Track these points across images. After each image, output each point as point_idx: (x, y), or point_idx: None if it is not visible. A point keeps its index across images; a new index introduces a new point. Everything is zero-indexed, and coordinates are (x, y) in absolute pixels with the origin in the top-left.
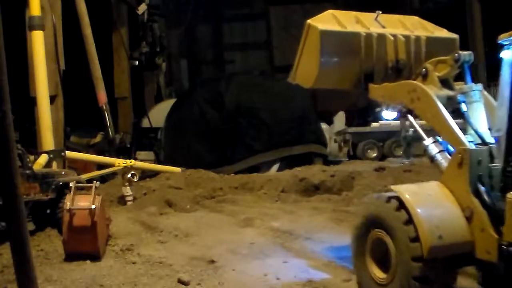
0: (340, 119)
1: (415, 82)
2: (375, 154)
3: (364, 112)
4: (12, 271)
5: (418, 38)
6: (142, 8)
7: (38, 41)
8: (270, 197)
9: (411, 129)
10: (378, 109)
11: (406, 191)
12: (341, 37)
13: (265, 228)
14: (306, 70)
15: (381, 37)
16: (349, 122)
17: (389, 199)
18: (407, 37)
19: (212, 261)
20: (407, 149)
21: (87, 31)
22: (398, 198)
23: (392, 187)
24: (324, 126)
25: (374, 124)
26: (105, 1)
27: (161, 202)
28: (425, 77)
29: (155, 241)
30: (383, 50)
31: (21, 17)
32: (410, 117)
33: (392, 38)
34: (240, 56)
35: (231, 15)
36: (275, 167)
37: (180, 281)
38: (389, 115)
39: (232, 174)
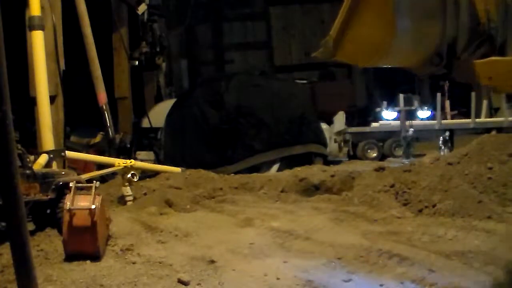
0: (340, 119)
1: None
2: (375, 154)
3: (364, 112)
4: (12, 271)
5: None
6: (142, 8)
7: (38, 41)
8: (270, 197)
9: (411, 129)
10: (378, 109)
11: None
12: None
13: (265, 228)
14: (364, 42)
15: None
16: (349, 122)
17: None
18: None
19: (212, 261)
20: (407, 149)
21: (87, 31)
22: None
23: None
24: (324, 126)
25: (374, 124)
26: (105, 1)
27: (161, 202)
28: None
29: (155, 241)
30: (470, 9)
31: (21, 17)
32: None
33: None
34: (240, 56)
35: (231, 15)
36: (275, 167)
37: (180, 281)
38: (389, 115)
39: (232, 174)
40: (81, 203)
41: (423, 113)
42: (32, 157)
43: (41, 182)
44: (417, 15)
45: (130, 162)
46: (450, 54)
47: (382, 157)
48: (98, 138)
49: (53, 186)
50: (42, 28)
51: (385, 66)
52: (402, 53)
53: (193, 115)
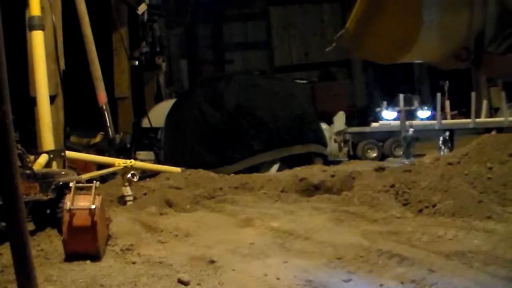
0: (340, 119)
1: None
2: (375, 154)
3: (364, 112)
4: (12, 271)
5: None
6: (142, 8)
7: (38, 41)
8: (270, 197)
9: (411, 129)
10: (378, 109)
11: None
12: None
13: (265, 228)
14: (387, 37)
15: None
16: (349, 122)
17: None
18: None
19: (212, 261)
20: (407, 149)
21: (87, 31)
22: None
23: None
24: (324, 126)
25: (374, 124)
26: (105, 1)
27: (161, 202)
28: None
29: (155, 241)
30: None
31: (21, 17)
32: None
33: None
34: (240, 56)
35: (231, 15)
36: (275, 167)
37: (180, 281)
38: (389, 115)
39: (232, 174)
40: (81, 203)
41: (423, 113)
42: (32, 157)
43: (41, 182)
44: (444, 6)
45: (130, 162)
46: (478, 47)
47: (382, 157)
48: (98, 138)
49: (53, 186)
50: (42, 28)
51: (407, 62)
52: (428, 48)
53: (193, 115)
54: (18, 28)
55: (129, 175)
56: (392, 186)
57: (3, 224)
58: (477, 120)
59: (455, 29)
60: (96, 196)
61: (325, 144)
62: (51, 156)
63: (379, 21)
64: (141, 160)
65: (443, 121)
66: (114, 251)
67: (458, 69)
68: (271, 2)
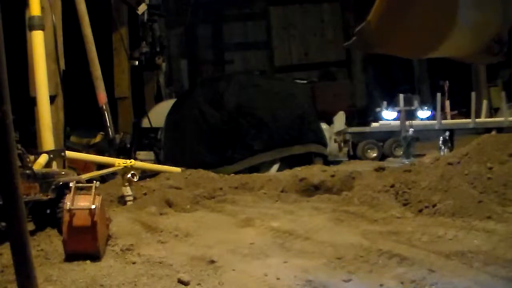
0: (340, 119)
1: None
2: (375, 154)
3: (364, 112)
4: (12, 271)
5: None
6: (142, 8)
7: (38, 41)
8: (270, 197)
9: (411, 129)
10: (378, 109)
11: None
12: None
13: (265, 228)
14: (418, 32)
15: None
16: (349, 122)
17: None
18: None
19: (212, 261)
20: (407, 149)
21: (87, 31)
22: None
23: None
24: (324, 126)
25: (374, 124)
26: (105, 1)
27: (161, 202)
28: None
29: (155, 241)
30: None
31: (21, 17)
32: None
33: None
34: (240, 56)
35: (231, 15)
36: (275, 167)
37: (180, 281)
38: (389, 115)
39: (232, 174)
40: (81, 203)
41: (423, 113)
42: (32, 157)
43: (41, 182)
44: (478, 1)
45: (130, 162)
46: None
47: (382, 157)
48: (98, 138)
49: (53, 186)
50: (42, 28)
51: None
52: (459, 43)
53: (193, 115)
54: (18, 28)
55: (129, 175)
56: (392, 186)
57: (3, 224)
58: (477, 120)
59: (488, 24)
60: (96, 196)
61: (325, 144)
62: (51, 156)
63: (407, 16)
64: (141, 160)
65: (443, 121)
66: (114, 251)
67: (459, 69)
68: (271, 2)
